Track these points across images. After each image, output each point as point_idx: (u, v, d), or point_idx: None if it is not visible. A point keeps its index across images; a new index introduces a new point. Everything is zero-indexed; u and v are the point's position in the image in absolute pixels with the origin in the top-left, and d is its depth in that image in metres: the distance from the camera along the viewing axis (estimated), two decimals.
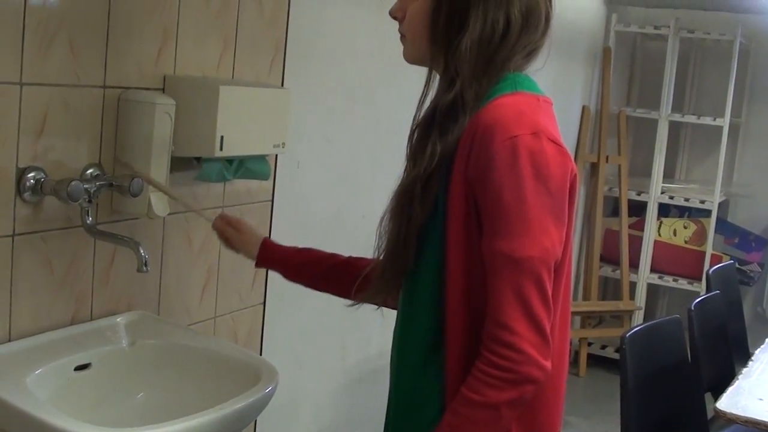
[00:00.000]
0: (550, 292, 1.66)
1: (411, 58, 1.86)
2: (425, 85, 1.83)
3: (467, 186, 1.68)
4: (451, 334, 1.74)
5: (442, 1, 1.75)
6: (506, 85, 1.74)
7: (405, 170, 1.83)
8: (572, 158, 1.73)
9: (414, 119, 1.82)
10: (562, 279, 1.76)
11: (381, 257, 1.87)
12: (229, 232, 2.37)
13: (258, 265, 2.35)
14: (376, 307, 2.02)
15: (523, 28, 1.74)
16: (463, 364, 1.71)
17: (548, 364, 1.64)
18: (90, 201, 2.20)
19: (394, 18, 1.85)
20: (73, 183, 2.10)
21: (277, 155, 2.91)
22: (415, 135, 1.82)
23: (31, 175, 2.10)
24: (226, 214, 2.44)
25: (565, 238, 1.72)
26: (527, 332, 1.62)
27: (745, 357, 3.99)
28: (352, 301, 2.05)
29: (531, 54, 1.80)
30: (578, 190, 1.79)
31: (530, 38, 1.77)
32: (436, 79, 1.82)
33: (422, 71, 1.84)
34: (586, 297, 6.12)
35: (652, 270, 6.18)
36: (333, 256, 2.24)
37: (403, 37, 1.85)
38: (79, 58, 2.18)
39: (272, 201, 2.99)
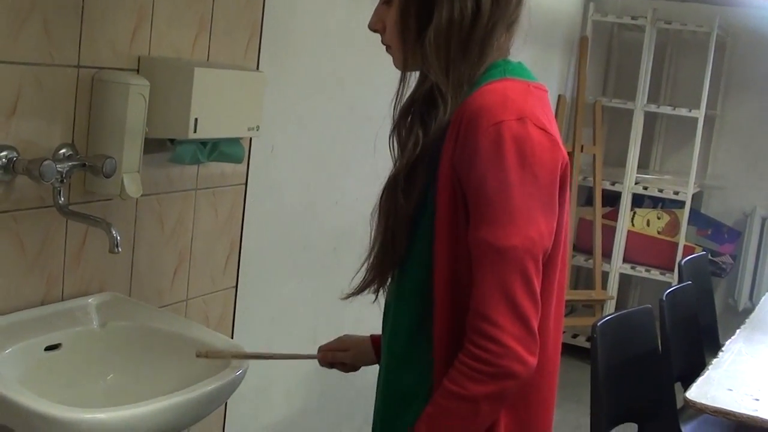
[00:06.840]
0: (537, 285, 1.62)
1: (401, 65, 1.81)
2: (399, 83, 1.82)
3: (454, 173, 1.65)
4: (438, 327, 1.71)
5: (410, 3, 1.72)
6: (496, 72, 1.71)
7: (394, 165, 1.81)
8: (562, 146, 1.69)
9: (393, 111, 1.82)
10: (556, 271, 1.72)
11: (372, 250, 1.84)
12: (341, 357, 2.17)
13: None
14: (374, 299, 1.92)
15: (494, 4, 1.69)
16: (450, 358, 1.67)
17: (533, 360, 1.60)
18: (62, 181, 2.18)
19: (375, 31, 1.82)
20: (45, 162, 2.09)
21: (251, 139, 2.90)
22: (398, 129, 1.81)
23: (3, 154, 2.09)
24: (323, 346, 2.21)
25: (556, 228, 1.68)
26: (510, 325, 1.58)
27: (715, 348, 4.02)
28: (347, 294, 1.96)
29: (511, 27, 1.76)
30: (570, 179, 1.75)
31: (505, 11, 1.72)
32: (411, 77, 1.81)
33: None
34: None
35: (625, 260, 6.20)
36: None
37: (388, 48, 1.81)
38: (53, 37, 2.17)
39: (246, 184, 2.98)
